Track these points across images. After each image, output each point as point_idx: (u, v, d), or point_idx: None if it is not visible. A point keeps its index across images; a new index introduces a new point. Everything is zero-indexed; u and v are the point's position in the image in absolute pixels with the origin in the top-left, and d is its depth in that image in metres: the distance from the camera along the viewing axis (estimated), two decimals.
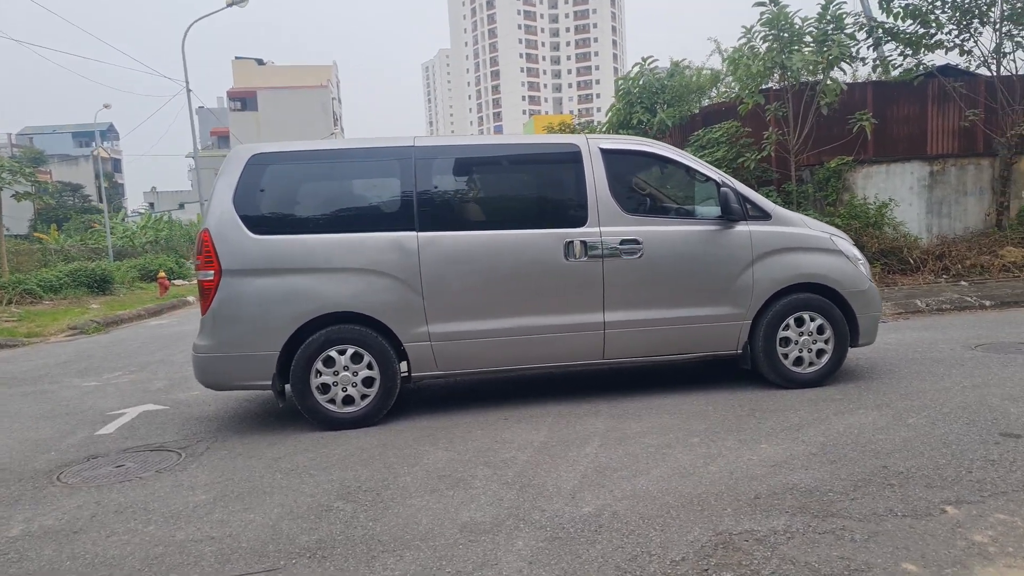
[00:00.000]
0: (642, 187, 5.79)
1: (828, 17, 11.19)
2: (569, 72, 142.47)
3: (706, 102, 15.04)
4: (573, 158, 5.33)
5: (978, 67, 12.60)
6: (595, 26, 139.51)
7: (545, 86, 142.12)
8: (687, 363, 5.84)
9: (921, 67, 12.36)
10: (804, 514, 3.25)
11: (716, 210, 5.43)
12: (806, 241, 5.47)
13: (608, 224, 5.25)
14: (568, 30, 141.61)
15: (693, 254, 5.33)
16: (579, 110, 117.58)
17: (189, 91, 26.21)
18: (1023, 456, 3.78)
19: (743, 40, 11.54)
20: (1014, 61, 11.74)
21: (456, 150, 5.47)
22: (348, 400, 5.08)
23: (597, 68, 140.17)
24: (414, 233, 5.09)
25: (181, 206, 62.65)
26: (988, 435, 4.15)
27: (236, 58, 75.41)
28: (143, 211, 60.88)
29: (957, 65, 12.75)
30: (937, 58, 12.56)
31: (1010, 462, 3.72)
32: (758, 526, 3.15)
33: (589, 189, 5.27)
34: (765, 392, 5.41)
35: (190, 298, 18.53)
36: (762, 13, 11.46)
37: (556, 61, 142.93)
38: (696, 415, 4.93)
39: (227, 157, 5.21)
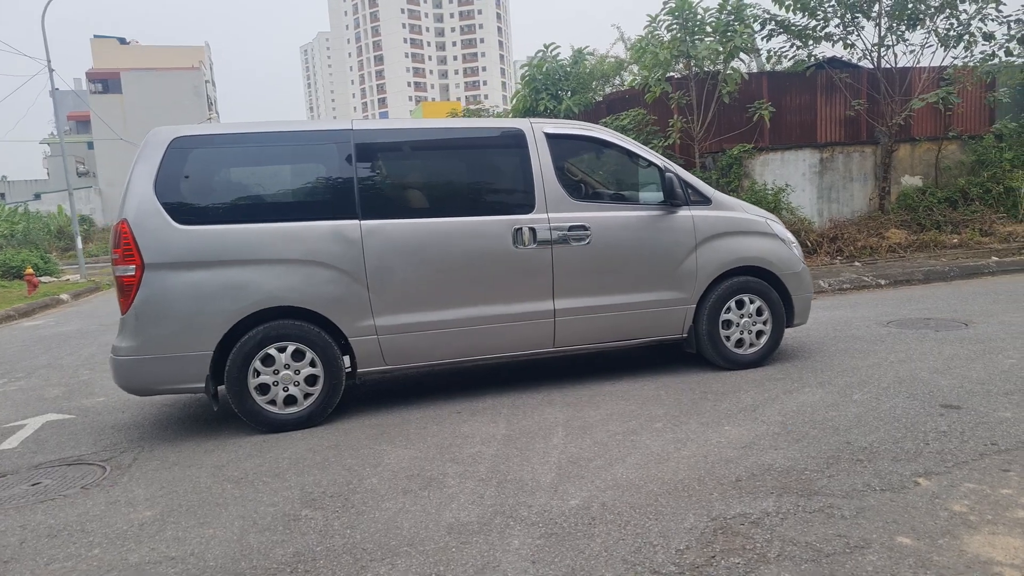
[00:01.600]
0: (587, 172, 5.74)
1: (728, 8, 11.55)
2: (455, 58, 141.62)
3: (609, 89, 15.24)
4: (518, 142, 5.20)
5: (860, 59, 13.39)
6: (480, 12, 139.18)
7: (431, 72, 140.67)
8: (631, 349, 5.85)
9: (813, 58, 12.98)
10: (789, 494, 3.28)
11: (659, 195, 5.45)
12: (745, 225, 5.59)
13: (556, 210, 5.16)
14: (452, 15, 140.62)
15: (639, 239, 5.33)
16: (467, 97, 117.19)
17: (51, 71, 24.09)
18: (970, 427, 3.99)
19: (649, 28, 11.74)
20: (894, 55, 12.52)
21: (397, 133, 5.23)
22: (290, 400, 4.77)
23: (483, 55, 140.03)
24: (356, 222, 4.82)
25: (37, 196, 58.00)
26: (931, 407, 4.36)
27: (95, 36, 70.13)
28: None
29: (842, 57, 13.48)
30: (824, 50, 13.26)
31: (960, 432, 3.91)
32: (749, 509, 3.16)
33: (535, 174, 5.16)
34: (710, 374, 5.50)
35: (63, 296, 17.12)
36: (665, 2, 11.71)
37: (441, 47, 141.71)
38: (651, 400, 4.94)
39: (144, 140, 4.75)
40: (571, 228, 5.16)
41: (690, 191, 5.47)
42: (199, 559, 3.04)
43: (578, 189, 5.42)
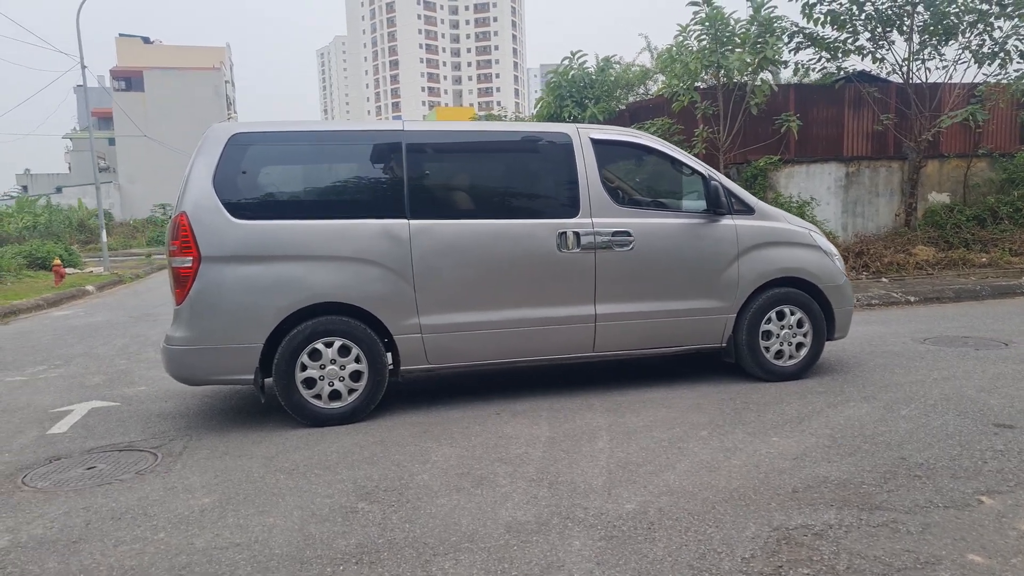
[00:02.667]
0: (631, 178, 5.77)
1: (759, 19, 11.56)
2: (469, 65, 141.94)
3: (632, 98, 15.27)
4: (564, 147, 5.24)
5: (889, 74, 13.35)
6: (495, 19, 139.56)
7: (445, 78, 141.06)
8: (666, 357, 5.85)
9: (841, 72, 12.96)
10: (849, 507, 3.28)
11: (701, 203, 5.46)
12: (787, 236, 5.60)
13: (600, 215, 5.19)
14: (468, 23, 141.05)
15: (682, 247, 5.35)
16: (480, 103, 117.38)
17: (84, 67, 24.26)
18: None
19: (679, 37, 11.76)
20: (927, 70, 12.48)
21: (447, 135, 5.27)
22: (335, 395, 4.81)
23: (497, 62, 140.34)
24: (405, 221, 4.87)
25: (59, 190, 58.54)
26: (983, 426, 4.34)
27: (120, 35, 70.77)
28: (15, 195, 56.53)
29: (871, 72, 13.45)
30: (853, 64, 13.22)
31: (1018, 452, 3.89)
32: (810, 520, 3.16)
33: (581, 179, 5.19)
34: (748, 385, 5.50)
35: (89, 287, 17.26)
36: (695, 12, 11.73)
37: (456, 53, 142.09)
38: (692, 408, 4.95)
39: (204, 136, 4.81)
40: (615, 234, 5.18)
41: (733, 200, 5.48)
42: (264, 546, 3.07)
43: (622, 195, 5.44)
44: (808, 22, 12.30)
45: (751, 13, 11.55)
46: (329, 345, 4.76)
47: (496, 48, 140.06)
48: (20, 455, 4.49)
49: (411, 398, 5.44)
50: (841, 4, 12.03)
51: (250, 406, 5.43)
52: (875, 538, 2.99)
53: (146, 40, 72.42)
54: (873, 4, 11.91)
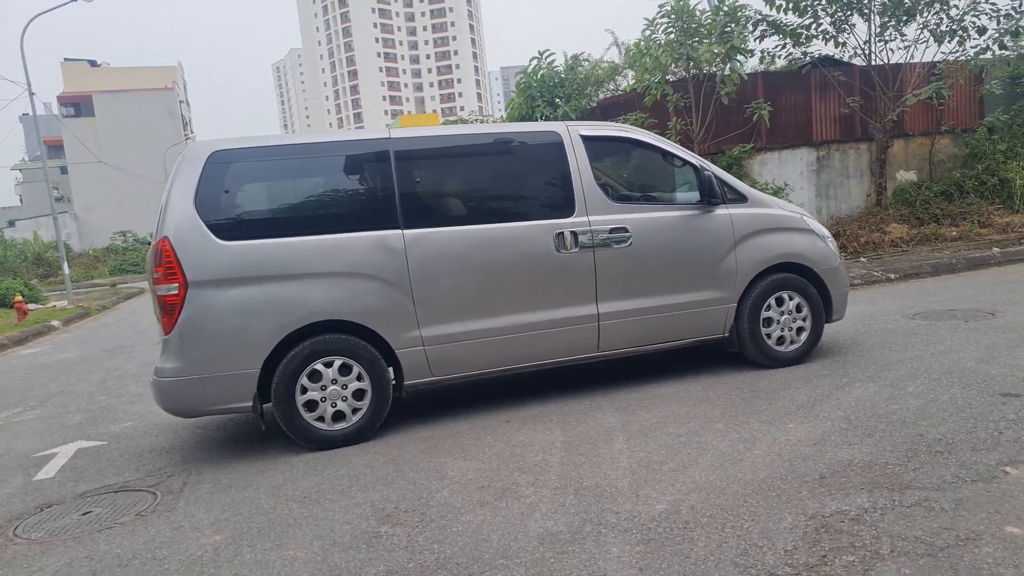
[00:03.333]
0: (623, 174, 5.70)
1: (724, 9, 11.62)
2: (430, 71, 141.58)
3: (602, 95, 15.27)
4: (554, 146, 5.16)
5: (851, 57, 13.50)
6: (452, 24, 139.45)
7: (406, 85, 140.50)
8: (667, 352, 5.78)
9: (808, 57, 13.08)
10: (879, 489, 3.24)
11: (695, 195, 5.42)
12: (781, 221, 5.58)
13: (596, 213, 5.11)
14: (425, 28, 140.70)
15: (679, 240, 5.30)
16: (443, 108, 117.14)
17: (32, 94, 23.67)
18: None
19: (647, 31, 11.77)
20: (889, 51, 12.64)
21: (436, 140, 5.16)
22: (338, 416, 4.67)
23: (458, 66, 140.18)
24: (399, 231, 4.74)
25: (11, 223, 57.16)
26: (991, 397, 4.34)
27: (65, 59, 69.21)
28: None
29: (834, 56, 13.59)
30: (817, 49, 13.34)
31: None
32: (844, 506, 3.11)
33: (574, 177, 5.11)
34: (753, 373, 5.46)
35: (54, 322, 16.79)
36: (661, 5, 11.76)
37: (415, 60, 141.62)
38: (702, 401, 4.89)
39: (181, 156, 4.64)
40: (612, 231, 5.11)
41: (726, 189, 5.45)
42: None
43: (616, 190, 5.38)
44: (771, 9, 12.41)
45: (716, 3, 11.60)
46: (329, 365, 4.62)
47: (455, 53, 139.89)
48: (7, 505, 4.28)
49: (416, 413, 5.31)
50: None
51: (247, 434, 5.26)
52: (911, 518, 2.94)
53: (92, 63, 70.89)
54: None
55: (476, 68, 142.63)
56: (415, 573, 2.91)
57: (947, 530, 2.82)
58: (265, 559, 3.17)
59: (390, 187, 4.78)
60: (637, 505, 3.33)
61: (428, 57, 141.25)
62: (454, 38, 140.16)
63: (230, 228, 4.52)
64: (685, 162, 5.44)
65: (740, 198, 5.50)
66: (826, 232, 5.81)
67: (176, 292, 4.39)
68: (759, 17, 12.67)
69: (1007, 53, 12.43)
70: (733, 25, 11.41)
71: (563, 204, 5.10)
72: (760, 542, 2.87)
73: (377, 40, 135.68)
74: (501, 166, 5.23)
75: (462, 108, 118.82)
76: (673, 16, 11.24)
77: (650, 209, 5.35)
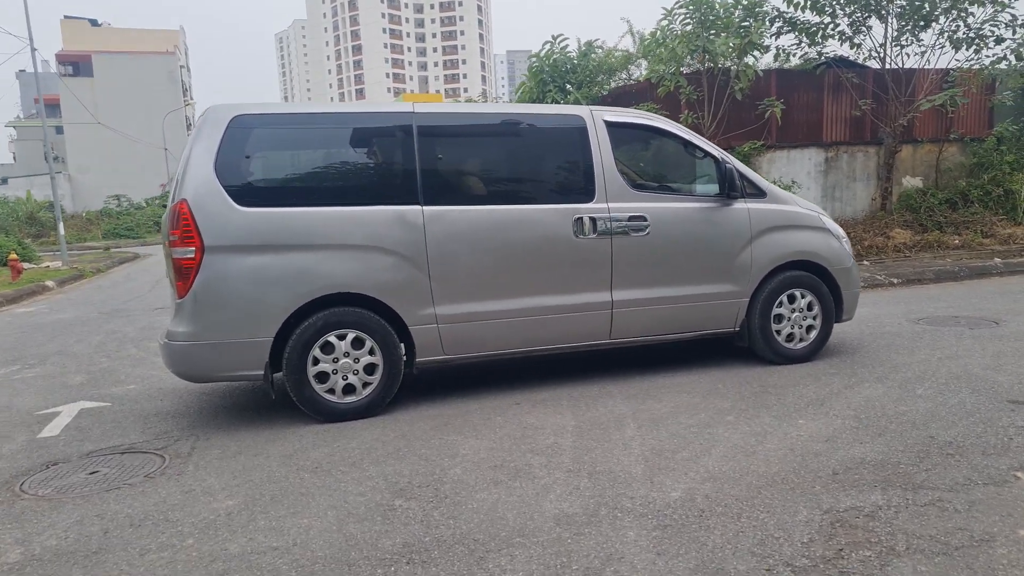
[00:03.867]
0: (644, 162, 5.69)
1: (744, 3, 11.56)
2: (435, 50, 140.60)
3: (613, 83, 15.21)
4: (578, 130, 5.13)
5: (866, 59, 13.48)
6: (460, 3, 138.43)
7: (410, 63, 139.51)
8: (675, 344, 5.79)
9: (824, 57, 13.04)
10: (892, 487, 3.26)
11: (714, 187, 5.41)
12: (798, 219, 5.58)
13: (615, 200, 5.10)
14: (433, 6, 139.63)
15: (696, 232, 5.29)
16: (447, 89, 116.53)
17: (34, 49, 23.38)
18: None
19: (664, 21, 11.71)
20: (904, 56, 12.60)
21: (459, 117, 5.14)
22: (348, 389, 4.66)
23: (463, 47, 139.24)
24: (419, 207, 4.72)
25: (4, 181, 56.68)
26: (998, 403, 4.37)
27: (66, 17, 68.33)
28: None
29: (849, 57, 13.56)
30: (833, 49, 13.31)
31: None
32: (858, 502, 3.13)
33: (596, 163, 5.09)
34: (761, 368, 5.48)
35: (49, 283, 16.66)
36: None
37: (421, 38, 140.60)
38: (711, 393, 4.91)
39: (202, 118, 4.60)
40: (631, 219, 5.10)
41: (746, 183, 5.44)
42: (304, 549, 2.94)
43: (637, 178, 5.36)
44: (789, 6, 12.35)
45: None
46: (342, 337, 4.61)
47: (462, 33, 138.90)
48: (13, 461, 4.26)
49: (425, 391, 5.30)
50: None
51: (253, 402, 5.26)
52: (925, 517, 2.97)
53: (94, 23, 70.06)
54: None
55: (482, 50, 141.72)
56: (432, 547, 2.91)
57: (961, 530, 2.85)
58: (279, 526, 3.17)
59: (411, 162, 4.75)
60: (652, 492, 3.34)
61: (434, 36, 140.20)
62: (461, 18, 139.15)
63: (250, 194, 4.49)
64: (707, 154, 5.43)
65: (759, 193, 5.49)
66: (841, 232, 5.82)
67: (192, 256, 4.36)
68: (776, 13, 12.62)
69: (1020, 65, 12.40)
70: (751, 20, 11.35)
71: (583, 189, 5.08)
72: (776, 533, 2.89)
73: (383, 16, 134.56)
74: (523, 147, 5.20)
75: (466, 90, 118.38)
76: (692, 7, 11.17)
77: (669, 199, 5.33)
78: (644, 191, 5.27)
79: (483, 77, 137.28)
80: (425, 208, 4.72)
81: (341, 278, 4.56)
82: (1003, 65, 12.32)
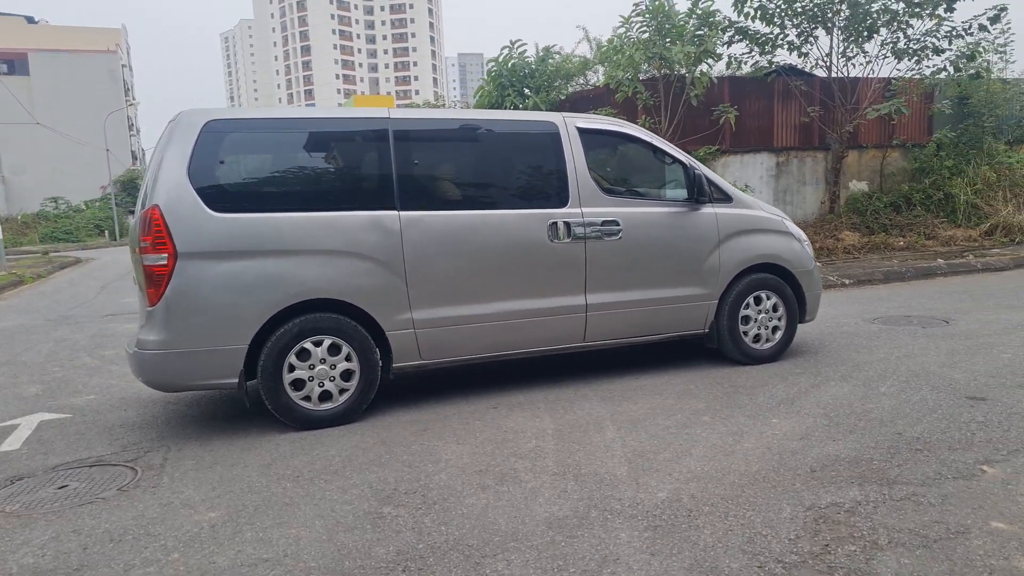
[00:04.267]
0: (614, 167, 5.76)
1: (698, 12, 11.79)
2: (386, 52, 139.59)
3: (570, 88, 15.33)
4: (552, 136, 5.18)
5: (812, 68, 13.88)
6: (411, 6, 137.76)
7: (360, 65, 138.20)
8: (644, 346, 5.88)
9: (774, 65, 13.39)
10: (868, 483, 3.38)
11: (682, 192, 5.52)
12: (763, 223, 5.72)
13: (589, 205, 5.16)
14: (383, 9, 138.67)
15: (667, 236, 5.39)
16: (398, 91, 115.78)
17: None
18: (1004, 417, 4.19)
19: (622, 29, 11.87)
20: (851, 65, 13.00)
21: (435, 123, 5.12)
22: (325, 396, 4.61)
23: (415, 49, 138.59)
24: (395, 212, 4.71)
25: None
26: (958, 399, 4.56)
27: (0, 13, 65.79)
28: None
29: (797, 66, 13.95)
30: (782, 58, 13.67)
31: (998, 423, 4.10)
32: (838, 499, 3.23)
33: (569, 168, 5.15)
34: (729, 369, 5.60)
35: None
36: (637, 3, 11.86)
37: (372, 40, 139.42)
38: (685, 394, 5.00)
39: (173, 123, 4.50)
40: (604, 223, 5.17)
41: (713, 189, 5.56)
42: (296, 560, 2.91)
43: (608, 184, 5.42)
44: (740, 16, 12.65)
45: (689, 7, 11.76)
46: (318, 344, 4.56)
47: (413, 36, 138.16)
48: None
49: (400, 396, 5.28)
50: (771, 0, 12.42)
51: (223, 411, 5.16)
52: (903, 512, 3.08)
53: (30, 20, 67.60)
54: (800, 1, 12.32)
55: (433, 53, 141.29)
56: (427, 554, 2.91)
57: (937, 523, 2.97)
58: (267, 537, 3.12)
59: (388, 167, 4.74)
60: (639, 493, 3.39)
61: (385, 38, 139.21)
62: (412, 20, 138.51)
63: (224, 199, 4.42)
64: (675, 159, 5.54)
65: (726, 198, 5.62)
66: (803, 236, 5.99)
67: (165, 263, 4.26)
68: (728, 23, 12.91)
69: (961, 74, 12.93)
70: (706, 28, 11.59)
71: (557, 194, 5.13)
72: (764, 531, 2.97)
73: (333, 17, 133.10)
74: (498, 153, 5.23)
75: (417, 92, 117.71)
76: (648, 15, 11.34)
77: (640, 204, 5.42)
78: (616, 196, 5.34)
79: (435, 80, 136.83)
80: (402, 213, 4.71)
81: (317, 284, 4.52)
82: (943, 75, 12.81)
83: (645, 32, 11.57)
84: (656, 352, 6.24)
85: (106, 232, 47.15)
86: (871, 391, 4.84)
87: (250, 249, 4.41)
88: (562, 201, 5.11)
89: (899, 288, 9.80)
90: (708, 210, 5.50)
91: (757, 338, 5.70)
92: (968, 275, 10.64)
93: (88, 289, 15.52)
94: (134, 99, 70.13)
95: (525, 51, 14.21)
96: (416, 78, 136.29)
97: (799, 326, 6.02)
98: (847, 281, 10.13)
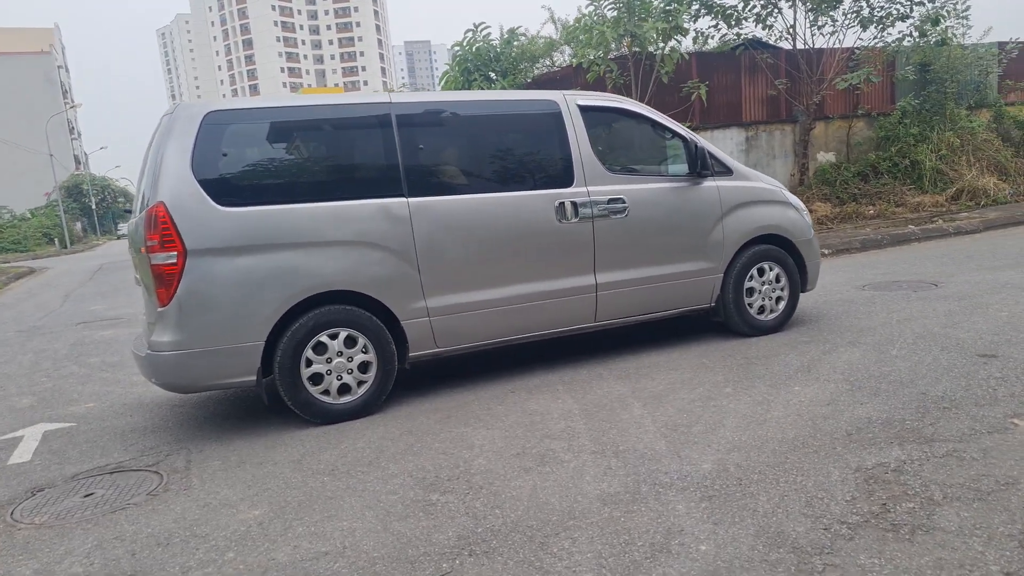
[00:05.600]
0: (616, 144, 5.75)
1: None
2: (331, 43, 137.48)
3: (536, 70, 15.29)
4: (554, 115, 5.14)
5: (777, 40, 14.04)
6: None
7: (305, 56, 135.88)
8: (649, 322, 5.89)
9: (741, 38, 13.49)
10: (907, 443, 3.43)
11: (684, 167, 5.53)
12: (763, 194, 5.77)
13: (594, 183, 5.15)
14: None
15: (672, 211, 5.40)
16: (345, 83, 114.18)
17: None
18: (1021, 372, 4.30)
19: (590, 7, 11.84)
20: (819, 36, 13.16)
21: (437, 106, 5.03)
22: (343, 389, 4.54)
23: (360, 39, 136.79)
24: (404, 199, 4.63)
25: None
26: (970, 357, 4.67)
27: None
28: None
29: (763, 39, 14.09)
30: (746, 31, 13.77)
31: (1016, 377, 4.20)
32: (882, 459, 3.28)
33: (573, 147, 5.12)
34: (736, 341, 5.65)
35: None
36: None
37: (315, 31, 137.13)
38: (700, 368, 5.03)
39: (172, 116, 4.35)
40: (609, 201, 5.16)
41: (714, 162, 5.58)
42: (357, 551, 2.86)
43: (612, 161, 5.40)
44: None
45: None
46: (334, 337, 4.48)
47: (358, 24, 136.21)
48: None
49: (413, 385, 5.21)
50: None
51: (232, 410, 5.06)
52: (948, 468, 3.14)
53: None
54: None
55: (380, 41, 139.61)
56: (488, 537, 2.88)
57: (985, 477, 3.03)
58: (320, 531, 3.06)
59: (393, 153, 4.65)
60: (684, 466, 3.40)
61: (329, 28, 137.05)
62: (356, 9, 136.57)
63: (230, 193, 4.30)
64: (675, 134, 5.54)
65: (726, 171, 5.65)
66: (801, 204, 6.05)
67: (174, 261, 4.14)
68: None
69: (927, 39, 13.18)
70: (675, 4, 11.62)
71: (562, 174, 5.10)
72: (819, 494, 3.00)
73: (273, 8, 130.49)
74: (501, 134, 5.17)
75: (366, 82, 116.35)
76: None
77: (643, 180, 5.42)
78: (619, 173, 5.33)
79: (383, 69, 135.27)
80: (410, 200, 4.64)
81: (331, 276, 4.43)
82: (907, 42, 13.06)
83: (613, 11, 11.55)
84: (662, 329, 6.27)
85: (55, 240, 45.78)
86: (883, 355, 4.92)
87: (261, 243, 4.30)
88: (567, 181, 5.08)
89: (878, 255, 10.01)
90: (710, 183, 5.53)
91: (761, 309, 5.76)
92: (942, 239, 10.91)
93: (51, 299, 15.06)
94: (72, 101, 67.97)
95: (489, 34, 14.11)
96: (364, 68, 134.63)
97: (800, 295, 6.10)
98: (826, 251, 10.29)
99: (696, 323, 6.23)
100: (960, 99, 14.67)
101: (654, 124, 5.55)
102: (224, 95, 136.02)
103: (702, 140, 5.57)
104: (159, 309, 4.24)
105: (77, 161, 66.74)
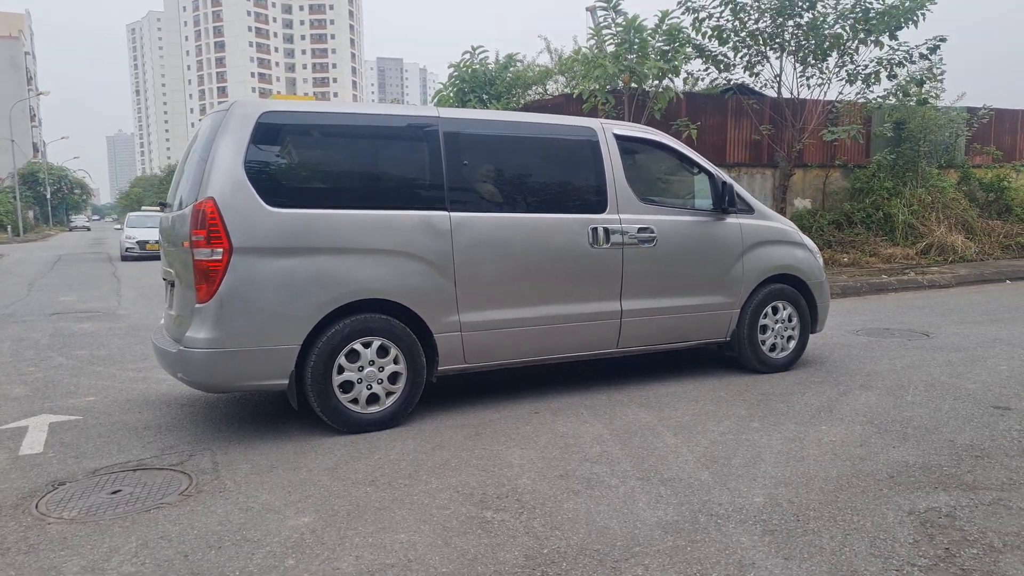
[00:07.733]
0: (646, 175, 5.82)
1: (664, 28, 12.08)
2: (304, 52, 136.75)
3: (529, 97, 15.42)
4: (591, 143, 5.20)
5: (762, 87, 14.42)
6: (331, 7, 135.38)
7: (277, 64, 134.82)
8: (667, 352, 5.94)
9: (731, 82, 13.83)
10: (951, 489, 3.50)
11: (709, 202, 5.63)
12: (781, 235, 5.90)
13: (626, 211, 5.20)
14: (302, 8, 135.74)
15: (697, 244, 5.49)
16: (316, 93, 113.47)
17: None
18: None
19: (592, 41, 12.02)
20: (807, 86, 13.54)
21: (482, 125, 5.03)
22: (372, 399, 4.47)
23: (334, 51, 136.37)
24: (446, 213, 4.61)
25: None
26: (985, 408, 4.80)
27: None
28: None
29: (750, 85, 14.46)
30: (736, 76, 14.12)
31: None
32: (932, 503, 3.33)
33: (607, 175, 5.18)
34: (747, 377, 5.73)
35: None
36: (603, 15, 12.03)
37: (289, 39, 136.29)
38: (720, 401, 5.08)
39: (227, 113, 4.27)
40: (640, 230, 5.22)
41: (738, 199, 5.69)
42: (423, 565, 2.80)
43: (643, 191, 5.46)
44: (697, 35, 13.02)
45: (656, 23, 12.02)
46: (367, 345, 4.41)
47: (332, 37, 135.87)
48: (8, 481, 3.78)
49: (434, 401, 5.13)
50: (726, 21, 12.85)
51: (248, 413, 4.93)
52: (999, 516, 3.21)
53: None
54: (751, 24, 12.79)
55: (353, 55, 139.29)
56: (557, 559, 2.85)
57: None
58: (379, 542, 2.99)
59: (438, 167, 4.64)
60: (735, 498, 3.42)
61: (303, 38, 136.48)
62: (332, 22, 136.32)
63: (279, 194, 4.22)
64: (702, 169, 5.65)
65: (748, 209, 5.77)
66: (814, 247, 6.20)
67: (220, 258, 4.04)
68: (687, 39, 13.24)
69: (909, 99, 13.69)
70: (675, 44, 11.88)
71: (596, 200, 5.15)
72: (880, 535, 3.04)
73: (249, 13, 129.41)
74: (541, 157, 5.19)
75: (336, 95, 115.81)
76: (620, 29, 11.52)
77: (672, 212, 5.49)
78: (650, 203, 5.39)
79: (354, 83, 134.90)
80: (452, 214, 4.62)
81: (371, 283, 4.38)
82: (892, 100, 13.55)
83: (611, 46, 11.74)
84: (664, 362, 6.32)
85: (8, 228, 44.20)
86: (899, 400, 5.04)
87: (304, 245, 4.23)
88: (601, 207, 5.13)
89: (859, 302, 10.27)
90: (733, 220, 5.63)
91: (773, 347, 5.86)
92: (917, 291, 11.26)
93: (14, 287, 14.54)
94: (37, 89, 66.12)
95: (486, 57, 14.21)
96: (335, 80, 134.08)
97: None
98: None
99: (699, 357, 6.30)
100: (931, 158, 15.25)
101: (683, 158, 5.65)
102: (190, 96, 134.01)
103: (728, 177, 5.69)
104: (197, 305, 4.12)
105: (36, 148, 64.75)
